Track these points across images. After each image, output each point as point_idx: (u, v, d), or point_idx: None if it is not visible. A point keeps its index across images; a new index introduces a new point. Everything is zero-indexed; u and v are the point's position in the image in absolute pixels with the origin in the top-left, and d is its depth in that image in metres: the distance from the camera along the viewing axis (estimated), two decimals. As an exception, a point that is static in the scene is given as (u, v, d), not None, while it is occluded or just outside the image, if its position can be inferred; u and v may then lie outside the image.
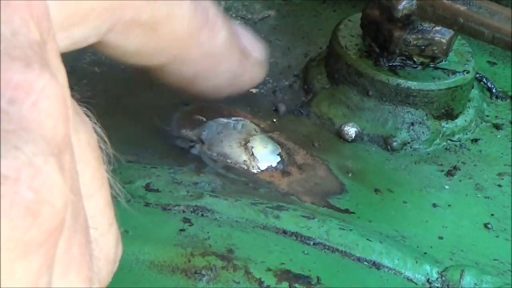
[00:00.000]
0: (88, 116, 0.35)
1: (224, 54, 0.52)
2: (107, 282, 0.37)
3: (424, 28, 0.65)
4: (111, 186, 0.36)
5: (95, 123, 0.35)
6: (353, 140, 0.65)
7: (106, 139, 0.36)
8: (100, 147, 0.35)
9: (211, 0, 0.51)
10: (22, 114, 0.29)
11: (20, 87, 0.29)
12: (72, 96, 0.33)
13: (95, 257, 0.34)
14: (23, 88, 0.29)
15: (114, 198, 0.37)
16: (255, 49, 0.56)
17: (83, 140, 0.34)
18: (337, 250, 0.52)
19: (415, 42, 0.65)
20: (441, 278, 0.52)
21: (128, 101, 0.64)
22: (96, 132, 0.35)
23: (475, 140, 0.67)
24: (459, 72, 0.66)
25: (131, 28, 0.44)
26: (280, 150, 0.61)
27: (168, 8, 0.45)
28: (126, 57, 0.47)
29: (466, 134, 0.67)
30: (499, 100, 0.72)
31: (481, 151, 0.66)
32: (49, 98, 0.29)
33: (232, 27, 0.53)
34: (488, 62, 0.75)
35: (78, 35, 0.40)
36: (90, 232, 0.34)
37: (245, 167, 0.59)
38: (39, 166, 0.28)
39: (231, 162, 0.59)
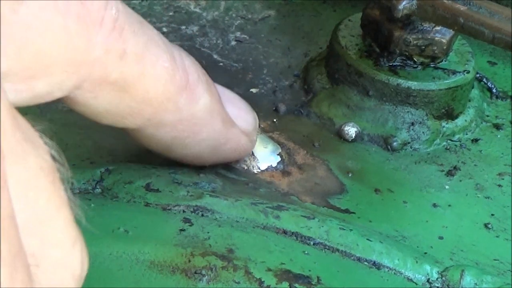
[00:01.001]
0: (42, 137, 0.35)
1: (204, 121, 0.49)
2: None
3: (424, 28, 0.65)
4: (73, 206, 0.36)
5: (49, 145, 0.35)
6: (353, 140, 0.65)
7: (63, 160, 0.36)
8: (56, 169, 0.35)
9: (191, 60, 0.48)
10: None
11: None
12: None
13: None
14: None
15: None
16: (243, 118, 0.54)
17: (34, 166, 0.34)
18: (337, 250, 0.52)
19: (415, 42, 0.65)
20: (441, 278, 0.52)
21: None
22: (51, 154, 0.35)
23: (475, 140, 0.67)
24: (459, 72, 0.66)
25: (100, 86, 0.42)
26: (280, 150, 0.61)
27: (140, 68, 0.43)
28: (98, 117, 0.45)
29: (466, 134, 0.67)
30: (499, 100, 0.72)
31: (481, 151, 0.66)
32: None
33: (217, 93, 0.51)
34: (488, 62, 0.75)
35: (39, 89, 0.38)
36: (54, 251, 0.35)
37: (245, 167, 0.59)
38: None
39: (231, 162, 0.59)
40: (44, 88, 0.38)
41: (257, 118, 0.56)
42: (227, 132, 0.52)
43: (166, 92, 0.46)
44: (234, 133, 0.53)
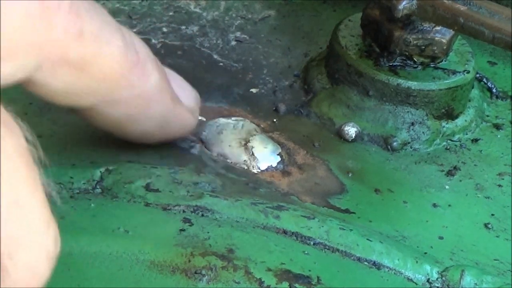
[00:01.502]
0: (16, 119, 0.35)
1: (155, 97, 0.51)
2: (46, 278, 0.39)
3: (424, 28, 0.65)
4: (46, 187, 0.37)
5: (23, 127, 0.36)
6: (353, 140, 0.65)
7: (35, 140, 0.37)
8: (30, 151, 0.36)
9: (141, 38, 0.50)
10: None
11: None
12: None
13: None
14: None
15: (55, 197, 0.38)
16: (187, 95, 0.56)
17: (9, 149, 0.35)
18: (337, 250, 0.52)
19: (415, 42, 0.65)
20: (441, 278, 0.52)
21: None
22: (25, 137, 0.36)
23: (475, 140, 0.67)
24: (459, 72, 0.66)
25: (59, 66, 0.43)
26: (280, 150, 0.61)
27: (96, 47, 0.44)
28: (55, 97, 0.46)
29: (466, 134, 0.67)
30: (499, 100, 0.72)
31: (481, 151, 0.66)
32: None
33: (164, 71, 0.52)
34: (489, 62, 0.75)
35: (3, 71, 0.39)
36: (30, 233, 0.36)
37: (245, 167, 0.59)
38: None
39: (231, 162, 0.59)
40: (7, 70, 0.39)
41: (198, 96, 0.57)
42: (175, 108, 0.54)
43: (120, 69, 0.47)
44: (180, 109, 0.54)
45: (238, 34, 0.75)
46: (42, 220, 0.37)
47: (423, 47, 0.65)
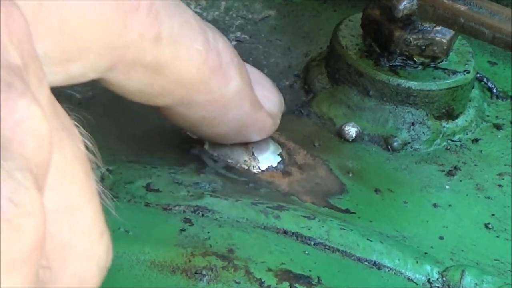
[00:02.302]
0: (77, 126, 0.35)
1: (233, 103, 0.50)
2: (96, 286, 0.38)
3: (425, 28, 0.65)
4: (101, 196, 0.37)
5: (83, 134, 0.35)
6: (353, 140, 0.65)
7: (95, 150, 0.37)
8: (89, 159, 0.36)
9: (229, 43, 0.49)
10: (4, 133, 0.29)
11: (3, 106, 0.29)
12: (65, 109, 0.33)
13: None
14: (5, 107, 0.29)
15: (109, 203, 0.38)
16: (270, 100, 0.55)
17: (70, 155, 0.34)
18: (338, 250, 0.52)
19: (415, 42, 0.65)
20: (442, 278, 0.52)
21: (128, 101, 0.64)
22: (85, 144, 0.36)
23: (475, 140, 0.67)
24: (460, 72, 0.66)
25: (133, 68, 0.43)
26: (280, 150, 0.61)
27: (174, 51, 0.44)
28: (131, 95, 0.46)
29: (467, 134, 0.67)
30: (499, 100, 0.71)
31: (481, 151, 0.66)
32: (33, 119, 0.29)
33: (247, 75, 0.51)
34: (489, 62, 0.75)
35: (74, 71, 0.39)
36: (83, 241, 0.35)
37: (246, 167, 0.59)
38: (19, 180, 0.28)
39: (232, 162, 0.59)
40: (78, 70, 0.39)
41: (283, 100, 0.57)
42: (255, 114, 0.53)
43: (199, 74, 0.46)
44: (260, 115, 0.54)
45: (238, 34, 0.75)
46: (96, 229, 0.36)
47: (424, 47, 0.65)
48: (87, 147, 0.36)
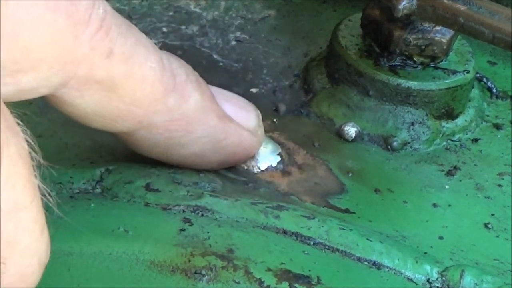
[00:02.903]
0: (19, 124, 0.35)
1: (197, 119, 0.49)
2: (34, 285, 0.38)
3: (424, 28, 0.65)
4: (42, 193, 0.37)
5: (25, 132, 0.36)
6: (353, 140, 0.65)
7: (36, 148, 0.37)
8: (31, 156, 0.36)
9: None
10: None
11: None
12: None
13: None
14: None
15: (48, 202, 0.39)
16: (242, 115, 0.53)
17: (14, 153, 0.35)
18: (337, 250, 0.52)
19: (415, 42, 0.65)
20: (441, 278, 0.52)
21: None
22: (27, 141, 0.36)
23: (475, 140, 0.67)
24: (459, 72, 0.66)
25: (86, 85, 0.42)
26: (280, 150, 0.61)
27: (128, 68, 0.43)
28: (87, 118, 0.45)
29: (466, 134, 0.67)
30: (499, 100, 0.72)
31: (481, 151, 0.66)
32: None
33: (208, 91, 0.50)
34: (489, 62, 0.75)
35: (25, 84, 0.38)
36: (26, 238, 0.36)
37: (245, 167, 0.59)
38: None
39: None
40: (29, 83, 0.39)
41: (259, 115, 0.55)
42: (224, 126, 0.52)
43: (154, 93, 0.46)
44: (233, 127, 0.52)
45: (238, 34, 0.75)
46: (38, 227, 0.37)
47: (423, 47, 0.65)
48: (28, 143, 0.36)
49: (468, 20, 0.60)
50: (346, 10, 0.77)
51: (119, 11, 0.75)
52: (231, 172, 0.58)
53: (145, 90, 0.45)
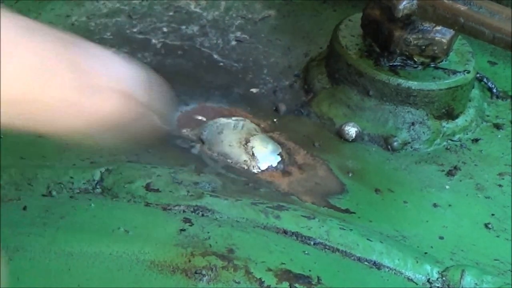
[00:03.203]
0: None
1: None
2: None
3: (425, 28, 0.65)
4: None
5: None
6: (353, 140, 0.65)
7: None
8: None
9: None
10: None
11: None
12: None
13: None
14: None
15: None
16: (117, 74, 0.40)
17: None
18: (338, 250, 0.52)
19: (415, 42, 0.65)
20: (442, 278, 0.52)
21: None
22: None
23: (475, 140, 0.67)
24: (460, 72, 0.66)
25: None
26: (280, 150, 0.61)
27: None
28: None
29: (467, 134, 0.67)
30: (499, 100, 0.71)
31: (481, 151, 0.66)
32: None
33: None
34: (489, 62, 0.75)
35: None
36: None
37: (246, 167, 0.59)
38: None
39: (232, 162, 0.59)
40: None
41: (143, 73, 0.42)
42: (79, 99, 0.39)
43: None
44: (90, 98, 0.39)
45: (238, 34, 0.75)
46: None
47: (424, 47, 0.65)
48: None
49: (468, 20, 0.60)
50: (346, 10, 0.77)
51: (119, 11, 0.75)
52: (232, 172, 0.58)
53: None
